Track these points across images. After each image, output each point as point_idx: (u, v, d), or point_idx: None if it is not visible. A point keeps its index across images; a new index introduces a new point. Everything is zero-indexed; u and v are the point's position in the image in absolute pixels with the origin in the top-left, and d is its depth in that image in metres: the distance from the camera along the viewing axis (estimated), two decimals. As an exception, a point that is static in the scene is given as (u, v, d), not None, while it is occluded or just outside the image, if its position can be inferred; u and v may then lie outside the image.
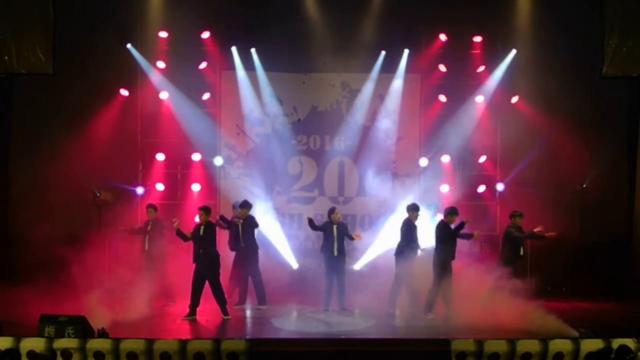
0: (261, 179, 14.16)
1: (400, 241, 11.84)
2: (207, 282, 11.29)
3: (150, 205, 12.54)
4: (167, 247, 12.22)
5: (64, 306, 10.12)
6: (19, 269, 13.00)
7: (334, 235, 11.92)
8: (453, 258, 11.48)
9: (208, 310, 11.35)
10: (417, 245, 11.80)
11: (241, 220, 12.07)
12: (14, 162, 14.15)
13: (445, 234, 11.46)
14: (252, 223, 12.16)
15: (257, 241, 12.33)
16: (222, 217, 12.17)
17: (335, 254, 11.90)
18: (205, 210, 11.49)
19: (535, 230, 11.97)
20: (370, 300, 12.02)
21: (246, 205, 12.23)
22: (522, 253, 12.11)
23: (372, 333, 10.53)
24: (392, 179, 14.20)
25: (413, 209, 11.90)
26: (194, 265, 11.36)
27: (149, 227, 12.25)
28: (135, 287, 11.35)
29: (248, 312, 11.89)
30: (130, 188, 13.93)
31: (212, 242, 11.47)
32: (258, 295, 12.14)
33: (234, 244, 12.24)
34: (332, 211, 12.11)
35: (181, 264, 11.72)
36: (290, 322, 11.34)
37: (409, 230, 11.80)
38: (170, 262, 12.16)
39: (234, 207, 12.69)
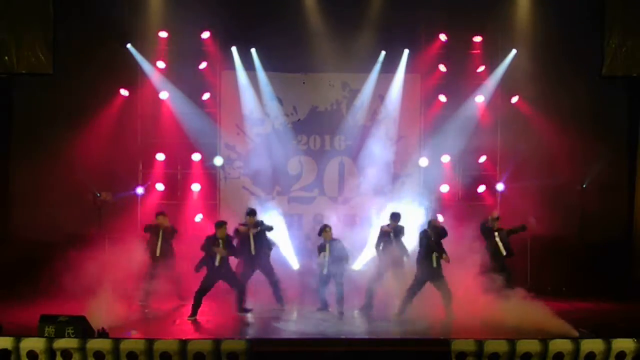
0: (261, 179, 14.18)
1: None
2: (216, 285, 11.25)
3: (160, 213, 12.37)
4: (177, 255, 12.21)
5: (64, 306, 10.12)
6: (18, 269, 13.02)
7: (325, 257, 11.62)
8: (425, 261, 11.25)
9: (208, 311, 11.34)
10: (384, 251, 11.76)
11: (250, 229, 11.88)
12: (14, 162, 14.13)
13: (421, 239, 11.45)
14: (262, 228, 12.03)
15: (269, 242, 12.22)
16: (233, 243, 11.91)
17: (325, 272, 11.68)
18: (225, 225, 11.39)
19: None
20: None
21: (252, 213, 12.07)
22: (503, 252, 12.01)
23: (372, 333, 10.53)
24: (392, 179, 14.19)
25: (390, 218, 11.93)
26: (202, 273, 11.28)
27: (159, 234, 12.10)
28: (140, 290, 11.34)
29: (248, 312, 11.85)
30: (128, 193, 13.93)
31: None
32: (276, 295, 12.00)
33: (242, 252, 11.92)
34: (322, 230, 11.87)
35: (190, 271, 11.65)
36: (290, 323, 11.33)
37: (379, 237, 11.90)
38: (179, 269, 12.11)
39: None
